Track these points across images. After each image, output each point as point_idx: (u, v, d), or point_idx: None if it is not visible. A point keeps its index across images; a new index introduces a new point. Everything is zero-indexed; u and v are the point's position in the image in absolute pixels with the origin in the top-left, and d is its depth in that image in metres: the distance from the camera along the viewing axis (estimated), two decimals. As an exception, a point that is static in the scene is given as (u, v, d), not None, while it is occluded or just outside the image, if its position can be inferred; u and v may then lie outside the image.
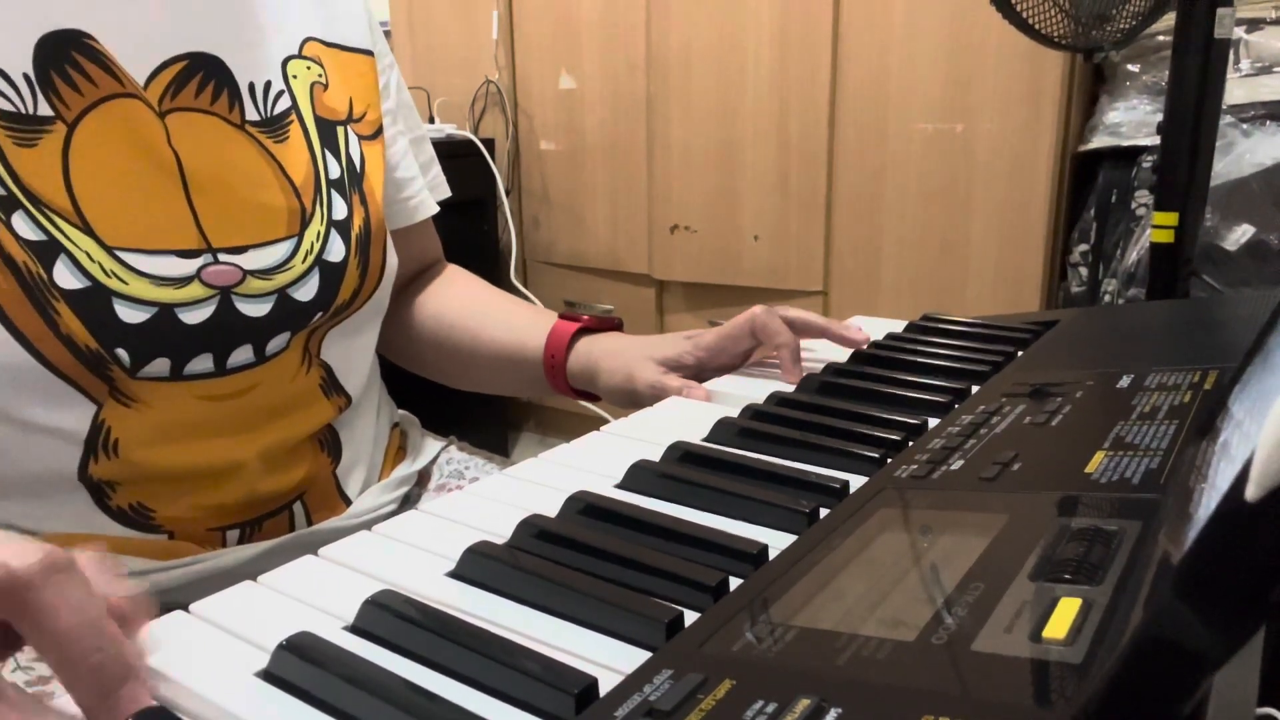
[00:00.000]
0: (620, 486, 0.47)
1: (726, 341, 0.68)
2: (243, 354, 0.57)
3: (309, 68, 0.64)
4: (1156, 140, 1.13)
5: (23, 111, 0.51)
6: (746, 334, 0.67)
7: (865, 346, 0.68)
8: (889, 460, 0.47)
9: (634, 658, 0.32)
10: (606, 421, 0.59)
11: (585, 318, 0.74)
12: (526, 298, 2.17)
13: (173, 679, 0.32)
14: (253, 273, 0.57)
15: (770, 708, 0.27)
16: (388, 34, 2.29)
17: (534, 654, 0.31)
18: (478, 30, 2.15)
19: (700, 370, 0.68)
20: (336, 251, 0.61)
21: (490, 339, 0.77)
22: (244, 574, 0.40)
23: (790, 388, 0.62)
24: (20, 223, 0.50)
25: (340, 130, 0.65)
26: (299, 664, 0.32)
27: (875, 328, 0.77)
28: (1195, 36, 1.04)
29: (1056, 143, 1.53)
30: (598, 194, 2.09)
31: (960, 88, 1.59)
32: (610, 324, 0.75)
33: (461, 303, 0.80)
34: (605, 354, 0.71)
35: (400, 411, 0.80)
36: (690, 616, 0.34)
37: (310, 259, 0.60)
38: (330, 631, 0.34)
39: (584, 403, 0.77)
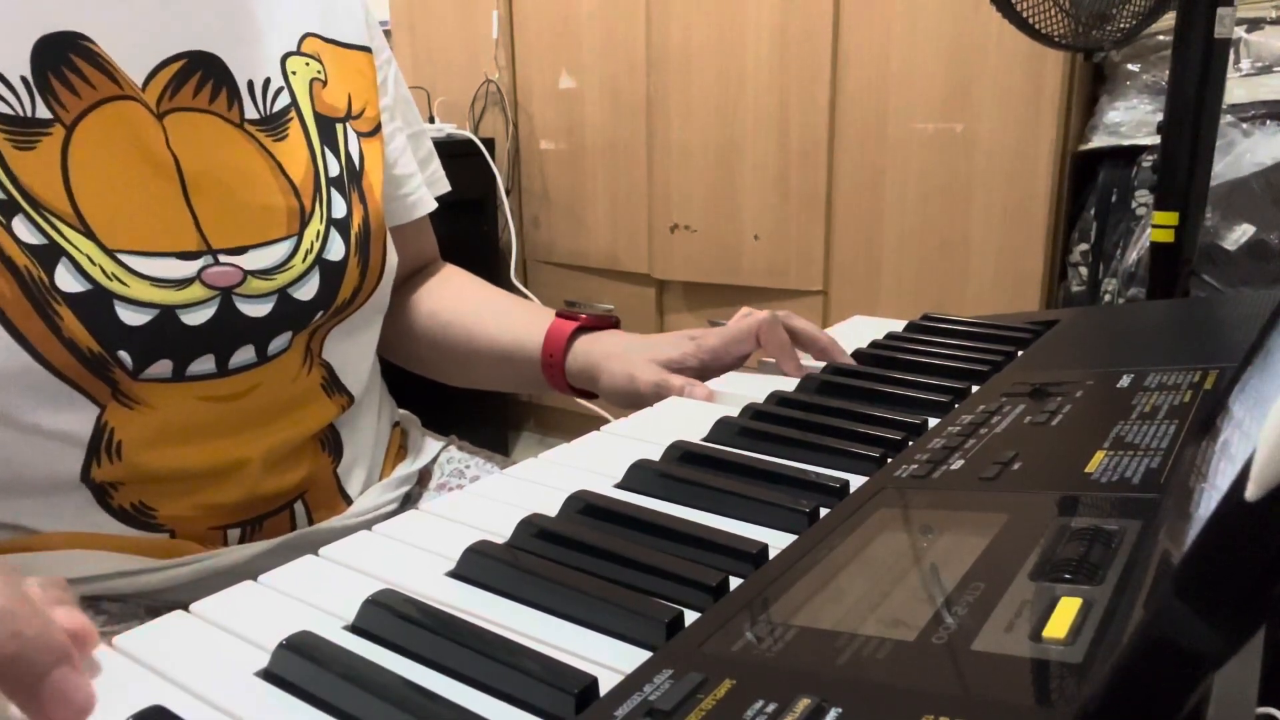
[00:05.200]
0: (620, 486, 0.47)
1: (730, 344, 0.68)
2: (245, 354, 0.57)
3: (308, 64, 0.64)
4: (1156, 140, 1.13)
5: (21, 114, 0.51)
6: (751, 338, 0.67)
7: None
8: (889, 460, 0.47)
9: (634, 657, 0.32)
10: (606, 421, 0.59)
11: (583, 316, 0.74)
12: (526, 297, 2.17)
13: (173, 678, 0.32)
14: (253, 273, 0.57)
15: (770, 707, 0.27)
16: (388, 33, 2.29)
17: (534, 653, 0.31)
18: (478, 30, 2.15)
19: (703, 373, 0.68)
20: (336, 250, 0.61)
21: (487, 337, 0.77)
22: (245, 573, 0.40)
23: (791, 387, 0.62)
24: (21, 227, 0.49)
25: (339, 127, 0.65)
26: (299, 663, 0.32)
27: (875, 328, 0.77)
28: (1195, 36, 1.04)
29: (1056, 142, 1.53)
30: (598, 194, 2.09)
31: (960, 88, 1.59)
32: (608, 322, 0.75)
33: (458, 301, 0.80)
34: (606, 355, 0.71)
35: (401, 411, 0.80)
36: (690, 616, 0.34)
37: (310, 258, 0.60)
38: (330, 631, 0.34)
39: (583, 401, 0.77)
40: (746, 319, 0.68)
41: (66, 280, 0.50)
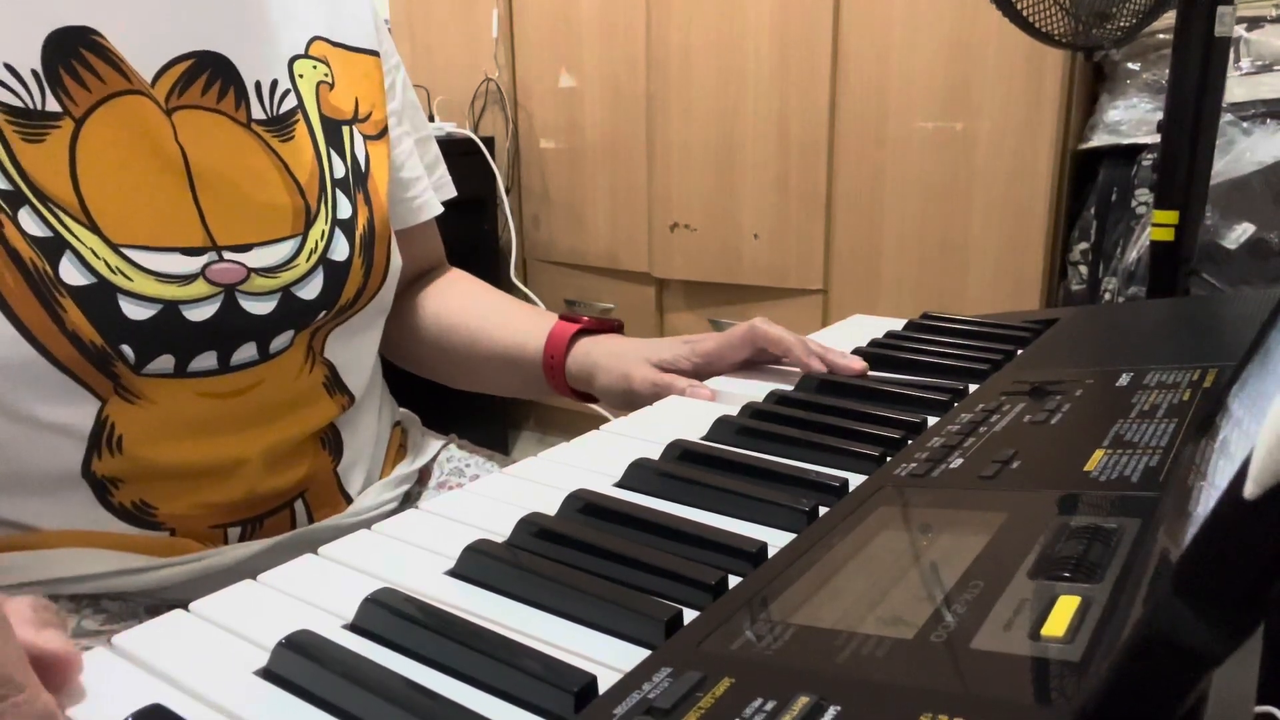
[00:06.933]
0: (619, 485, 0.47)
1: (725, 350, 0.68)
2: (246, 351, 0.57)
3: (315, 67, 0.65)
4: (1157, 138, 1.13)
5: (30, 107, 0.51)
6: (745, 344, 0.67)
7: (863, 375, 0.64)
8: (888, 458, 0.47)
9: (633, 656, 0.32)
10: (606, 421, 0.59)
11: (585, 319, 0.75)
12: (526, 296, 2.17)
13: (172, 677, 0.32)
14: (257, 271, 0.57)
15: (769, 706, 0.27)
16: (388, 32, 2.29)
17: (533, 652, 0.31)
18: (478, 29, 2.15)
19: (696, 376, 0.68)
20: (341, 250, 0.62)
21: (490, 340, 0.77)
22: (245, 572, 0.40)
23: (791, 387, 0.62)
24: (26, 219, 0.50)
25: (345, 130, 0.66)
26: (299, 662, 0.32)
27: (875, 327, 0.77)
28: (1195, 34, 1.04)
29: (1057, 141, 1.53)
30: (598, 193, 2.09)
31: (960, 87, 1.59)
32: (610, 325, 0.75)
33: (462, 304, 0.80)
34: (604, 355, 0.72)
35: (401, 410, 0.80)
36: (689, 615, 0.34)
37: (314, 258, 0.60)
38: (330, 630, 0.34)
39: (583, 403, 0.77)
40: (740, 325, 0.68)
41: (70, 273, 0.50)
